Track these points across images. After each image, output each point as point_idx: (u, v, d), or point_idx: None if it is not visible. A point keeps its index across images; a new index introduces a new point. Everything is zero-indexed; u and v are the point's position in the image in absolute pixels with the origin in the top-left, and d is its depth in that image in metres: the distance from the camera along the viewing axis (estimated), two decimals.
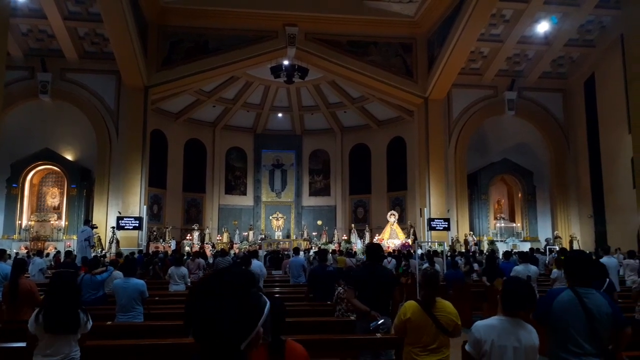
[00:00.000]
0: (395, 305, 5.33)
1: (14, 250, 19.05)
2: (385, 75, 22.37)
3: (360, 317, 5.19)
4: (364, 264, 5.63)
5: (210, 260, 15.45)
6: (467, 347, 3.15)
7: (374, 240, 24.72)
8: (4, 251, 9.01)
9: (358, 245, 24.80)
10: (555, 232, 23.23)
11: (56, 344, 3.97)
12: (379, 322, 4.76)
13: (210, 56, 21.45)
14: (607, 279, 6.92)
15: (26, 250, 19.03)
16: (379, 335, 4.82)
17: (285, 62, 21.48)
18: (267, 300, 1.52)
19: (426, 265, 9.37)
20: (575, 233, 23.06)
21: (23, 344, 4.23)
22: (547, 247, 21.11)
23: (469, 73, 23.07)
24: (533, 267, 9.26)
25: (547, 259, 16.65)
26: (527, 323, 3.12)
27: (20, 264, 7.16)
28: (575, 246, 21.89)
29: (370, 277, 5.18)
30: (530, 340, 3.02)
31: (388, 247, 22.07)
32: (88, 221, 17.29)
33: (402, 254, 17.84)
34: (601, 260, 9.89)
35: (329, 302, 7.40)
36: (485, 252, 18.92)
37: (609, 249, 10.56)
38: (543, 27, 21.00)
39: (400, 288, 5.65)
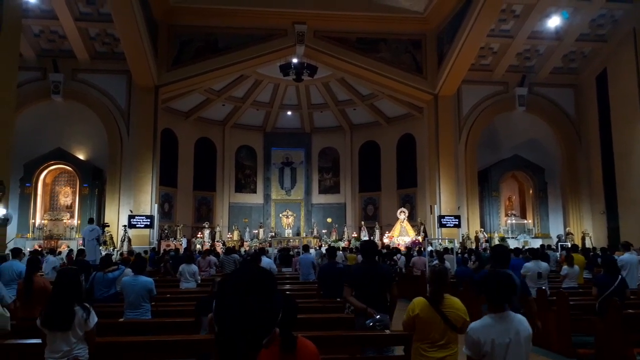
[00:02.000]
0: (393, 302, 5.34)
1: (28, 249, 19.30)
2: (395, 72, 22.31)
3: (358, 315, 5.22)
4: (361, 261, 5.64)
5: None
6: (464, 350, 3.14)
7: (384, 237, 24.72)
8: (19, 250, 9.17)
9: None
10: (567, 229, 23.04)
11: (56, 341, 3.98)
12: (375, 319, 4.81)
13: (220, 55, 21.54)
14: (620, 276, 6.88)
15: (39, 249, 19.27)
16: (387, 331, 4.84)
17: (295, 60, 21.51)
18: (282, 300, 1.56)
19: (436, 262, 9.36)
20: (587, 229, 22.86)
21: (38, 341, 4.29)
22: (559, 243, 20.98)
23: (479, 69, 22.91)
24: (544, 264, 9.20)
25: (559, 255, 16.53)
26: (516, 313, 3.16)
27: (35, 262, 7.28)
28: (588, 243, 21.72)
29: (367, 275, 5.19)
30: (526, 330, 3.05)
31: (398, 244, 22.06)
32: (93, 220, 17.46)
33: (386, 251, 17.49)
34: (622, 257, 9.81)
35: (338, 299, 7.42)
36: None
37: (629, 246, 10.41)
38: (554, 22, 20.78)
39: (398, 284, 5.64)
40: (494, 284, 3.15)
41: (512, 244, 20.92)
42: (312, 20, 21.53)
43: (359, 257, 14.62)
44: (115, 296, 7.91)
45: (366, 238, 26.01)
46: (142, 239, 20.22)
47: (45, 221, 21.60)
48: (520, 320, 3.07)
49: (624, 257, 9.80)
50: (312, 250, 15.40)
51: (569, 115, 24.05)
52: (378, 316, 4.86)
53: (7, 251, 11.82)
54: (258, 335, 1.45)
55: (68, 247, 19.44)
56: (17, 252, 8.70)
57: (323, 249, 19.14)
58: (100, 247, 16.78)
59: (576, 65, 23.72)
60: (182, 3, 21.21)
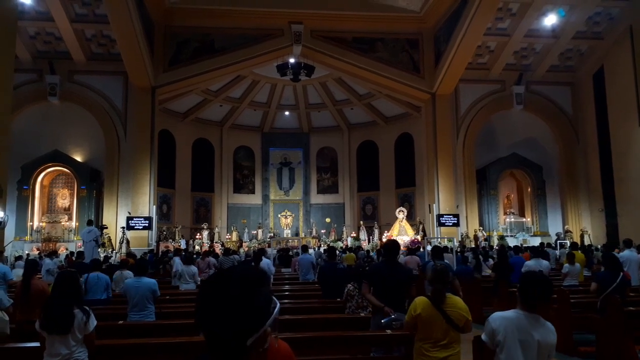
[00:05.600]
0: (411, 303, 5.32)
1: (26, 252, 19.24)
2: (392, 71, 22.30)
3: (375, 313, 5.19)
4: (382, 260, 5.64)
5: None
6: (482, 336, 3.15)
7: (383, 236, 24.68)
8: (0, 252, 9.06)
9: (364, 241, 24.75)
10: (566, 227, 23.05)
11: (55, 344, 3.93)
12: (391, 318, 4.76)
13: (217, 56, 21.50)
14: (621, 273, 6.87)
15: (38, 252, 19.21)
16: (389, 331, 4.81)
17: (292, 60, 21.47)
18: (277, 302, 1.54)
19: (430, 262, 9.31)
20: (586, 227, 22.88)
21: (36, 344, 4.25)
22: (558, 241, 20.99)
23: (476, 68, 22.93)
24: (545, 262, 9.20)
25: (558, 253, 16.55)
26: (546, 319, 3.10)
27: (32, 265, 7.23)
28: (587, 240, 21.73)
29: (387, 274, 5.17)
30: (546, 336, 2.98)
31: None
32: (92, 222, 17.40)
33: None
34: (622, 254, 9.79)
35: (338, 300, 7.40)
36: (495, 247, 18.82)
37: (631, 243, 10.40)
38: (550, 20, 20.80)
39: (417, 286, 5.80)
40: (529, 284, 3.12)
41: (511, 242, 20.94)
42: (308, 20, 21.51)
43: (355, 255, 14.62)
44: (107, 300, 7.79)
45: (365, 238, 26.01)
46: (141, 240, 20.16)
47: (43, 223, 21.52)
48: (545, 327, 3.02)
49: (624, 254, 9.78)
50: (310, 251, 15.35)
51: (567, 113, 24.07)
52: (394, 315, 4.83)
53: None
54: (240, 336, 1.43)
55: (67, 249, 19.39)
56: None
57: (321, 249, 19.14)
58: (99, 249, 16.72)
59: (573, 63, 23.75)
60: (178, 4, 21.17)
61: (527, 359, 2.94)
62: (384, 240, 23.85)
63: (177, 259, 11.79)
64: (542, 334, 2.98)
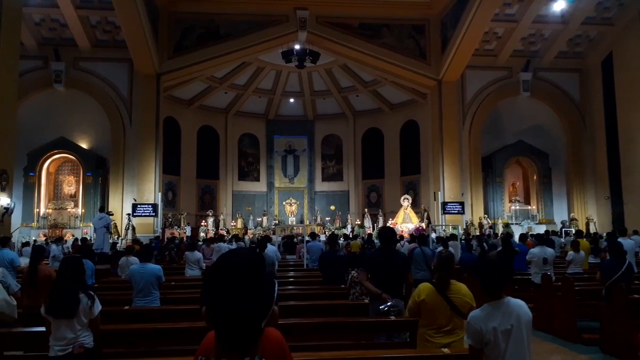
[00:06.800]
0: (409, 289, 5.33)
1: (33, 238, 19.40)
2: (398, 57, 22.12)
3: (373, 300, 5.20)
4: (379, 247, 5.63)
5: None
6: (466, 339, 3.04)
7: (388, 224, 24.70)
8: (8, 238, 9.11)
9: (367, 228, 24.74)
10: (572, 214, 22.98)
11: (61, 328, 3.96)
12: (388, 304, 4.78)
13: (222, 42, 21.39)
14: (627, 261, 6.85)
15: (44, 238, 19.37)
16: (392, 317, 4.82)
17: (297, 47, 21.33)
18: (275, 280, 1.56)
19: (417, 248, 9.33)
20: (591, 215, 22.79)
21: (43, 329, 4.29)
22: (563, 229, 20.93)
23: (483, 54, 22.70)
24: (550, 250, 9.17)
25: (563, 241, 16.51)
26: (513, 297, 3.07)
27: (39, 251, 7.29)
28: (592, 228, 21.65)
29: (384, 260, 5.17)
30: (526, 314, 2.95)
31: (402, 231, 22.05)
32: (103, 208, 17.52)
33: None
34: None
35: (342, 286, 7.43)
36: (500, 234, 18.79)
37: (625, 231, 10.45)
38: (559, 5, 20.50)
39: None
40: (488, 271, 3.03)
41: (516, 230, 20.90)
42: (313, 6, 21.32)
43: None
44: (92, 286, 7.78)
45: (369, 225, 26.02)
46: (146, 227, 20.27)
47: (50, 210, 21.67)
48: (520, 305, 2.98)
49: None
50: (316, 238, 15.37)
51: (574, 100, 23.85)
52: (392, 301, 4.84)
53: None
54: (254, 321, 1.44)
55: (73, 235, 19.52)
56: (5, 241, 8.58)
57: (322, 237, 19.17)
58: (110, 236, 16.88)
59: (581, 50, 23.46)
60: None
61: (518, 345, 2.88)
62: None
63: (221, 244, 12.35)
64: (520, 313, 2.94)
